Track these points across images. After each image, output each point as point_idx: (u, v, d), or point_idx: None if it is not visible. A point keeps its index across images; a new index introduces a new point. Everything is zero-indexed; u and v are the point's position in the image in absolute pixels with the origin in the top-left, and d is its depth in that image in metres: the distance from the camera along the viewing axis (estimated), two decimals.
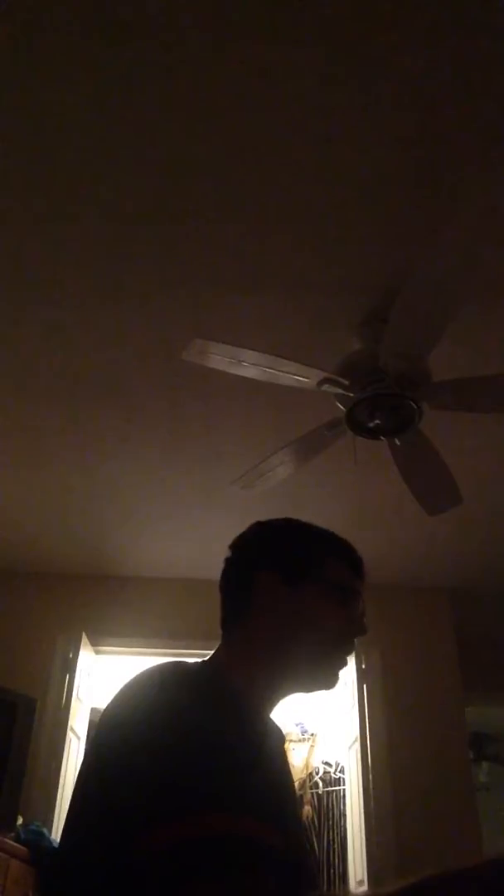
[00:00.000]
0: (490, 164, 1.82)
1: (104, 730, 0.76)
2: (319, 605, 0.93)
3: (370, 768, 3.56)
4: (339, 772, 4.36)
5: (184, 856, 0.59)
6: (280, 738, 0.93)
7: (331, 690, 0.96)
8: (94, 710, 4.05)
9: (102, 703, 3.67)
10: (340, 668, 0.95)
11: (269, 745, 0.81)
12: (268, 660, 0.90)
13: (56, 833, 3.21)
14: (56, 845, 2.98)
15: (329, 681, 0.95)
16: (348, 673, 3.77)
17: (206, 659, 0.95)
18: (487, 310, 2.26)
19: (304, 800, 4.33)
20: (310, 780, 4.46)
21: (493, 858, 0.61)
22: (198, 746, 0.68)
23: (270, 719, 0.91)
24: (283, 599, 0.93)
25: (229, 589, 0.99)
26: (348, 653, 0.95)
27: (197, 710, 0.73)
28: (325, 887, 3.44)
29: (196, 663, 0.89)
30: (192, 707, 0.73)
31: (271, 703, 0.92)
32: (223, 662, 0.92)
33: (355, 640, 0.95)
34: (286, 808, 0.75)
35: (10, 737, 3.02)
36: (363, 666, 3.75)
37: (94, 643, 3.90)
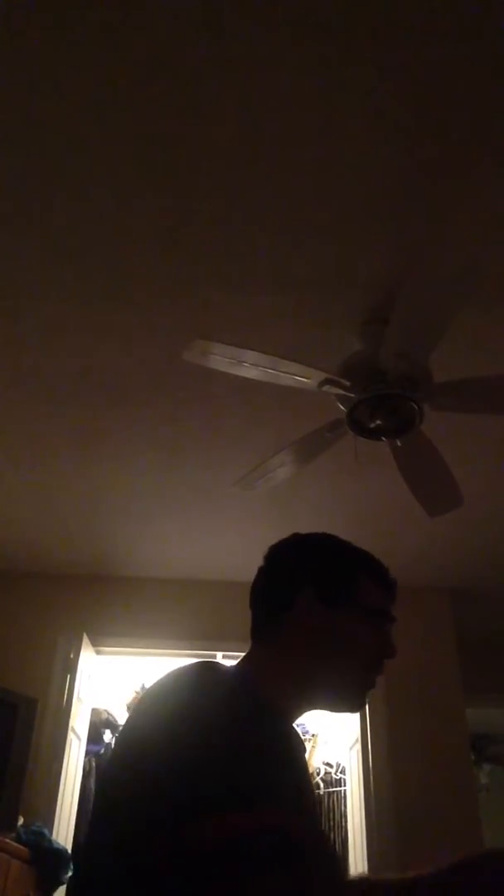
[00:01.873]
0: (491, 164, 1.82)
1: (139, 728, 0.77)
2: (355, 628, 0.96)
3: (371, 769, 3.55)
4: (340, 773, 4.35)
5: (233, 847, 0.61)
6: (301, 744, 0.96)
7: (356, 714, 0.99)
8: (94, 711, 4.05)
9: (103, 704, 3.65)
10: (368, 689, 0.97)
11: (295, 749, 0.84)
12: (301, 677, 0.92)
13: (57, 833, 3.20)
14: (57, 845, 2.98)
15: (357, 703, 0.97)
16: None
17: (239, 661, 0.97)
18: (488, 310, 2.26)
19: None
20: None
21: (489, 850, 0.63)
22: (238, 746, 0.70)
23: (293, 727, 0.94)
24: (321, 619, 0.95)
25: (267, 600, 1.00)
26: (378, 674, 0.97)
27: (236, 712, 0.74)
28: None
29: (230, 667, 0.91)
30: (231, 708, 0.75)
31: (294, 715, 0.94)
32: (254, 671, 0.93)
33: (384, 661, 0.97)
34: (310, 805, 0.79)
35: (11, 737, 3.03)
36: None
37: (95, 643, 3.90)
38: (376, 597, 0.99)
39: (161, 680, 0.82)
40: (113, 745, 0.90)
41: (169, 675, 0.82)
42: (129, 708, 4.31)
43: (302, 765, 0.83)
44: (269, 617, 0.98)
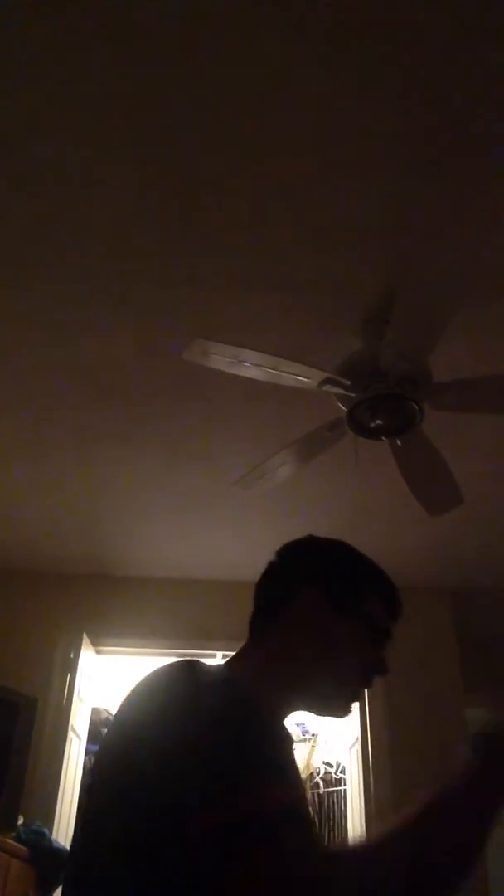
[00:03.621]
0: (491, 164, 1.82)
1: (129, 726, 0.77)
2: (354, 638, 0.95)
3: (371, 769, 3.56)
4: (340, 772, 4.35)
5: (243, 826, 0.63)
6: (290, 740, 0.94)
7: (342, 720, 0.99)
8: (94, 710, 4.05)
9: (103, 703, 3.64)
10: (356, 700, 0.97)
11: (286, 744, 0.85)
12: (293, 674, 0.92)
13: (57, 832, 3.21)
14: (57, 844, 2.98)
15: (343, 711, 0.97)
16: None
17: (228, 659, 0.96)
18: (487, 310, 2.26)
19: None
20: (310, 781, 4.46)
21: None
22: (234, 736, 0.71)
23: (282, 724, 0.92)
24: (322, 620, 0.94)
25: (271, 592, 0.99)
26: (367, 687, 0.97)
27: (224, 706, 0.74)
28: None
29: (212, 665, 0.91)
30: (219, 703, 0.75)
31: (283, 713, 0.93)
32: (240, 669, 0.93)
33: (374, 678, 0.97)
34: (297, 781, 0.81)
35: (11, 736, 3.03)
36: None
37: (95, 643, 3.91)
38: (381, 614, 0.98)
39: (143, 683, 0.82)
40: (101, 746, 0.94)
41: (151, 678, 0.82)
42: None
43: (290, 756, 0.85)
44: (270, 607, 0.97)
